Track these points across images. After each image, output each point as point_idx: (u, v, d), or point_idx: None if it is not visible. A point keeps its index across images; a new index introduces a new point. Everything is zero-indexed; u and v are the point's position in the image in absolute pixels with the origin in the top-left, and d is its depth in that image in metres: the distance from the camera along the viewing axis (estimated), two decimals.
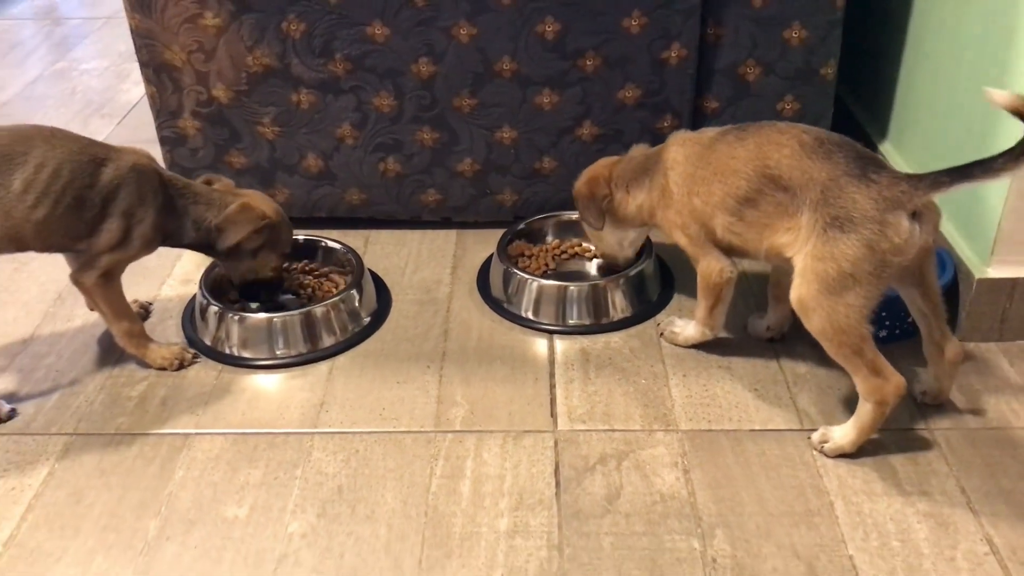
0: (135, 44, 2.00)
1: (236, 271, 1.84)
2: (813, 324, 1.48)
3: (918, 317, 1.59)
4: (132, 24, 1.98)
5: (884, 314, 1.74)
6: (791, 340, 1.82)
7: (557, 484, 1.52)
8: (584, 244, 2.09)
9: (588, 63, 1.99)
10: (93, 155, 1.61)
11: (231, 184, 1.83)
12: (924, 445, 1.58)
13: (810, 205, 1.46)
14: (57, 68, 3.32)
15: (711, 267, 1.67)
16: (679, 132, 1.74)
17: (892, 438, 1.59)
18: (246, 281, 1.85)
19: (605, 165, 1.84)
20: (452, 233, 2.22)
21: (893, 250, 1.41)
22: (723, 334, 1.81)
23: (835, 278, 1.43)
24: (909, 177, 1.42)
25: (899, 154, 2.11)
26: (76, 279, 1.69)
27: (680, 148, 1.68)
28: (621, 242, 1.91)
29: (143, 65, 2.03)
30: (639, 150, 1.82)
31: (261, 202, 1.80)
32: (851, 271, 1.42)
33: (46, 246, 1.64)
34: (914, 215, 1.42)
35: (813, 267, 1.45)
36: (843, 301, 1.44)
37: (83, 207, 1.60)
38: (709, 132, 1.68)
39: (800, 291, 1.48)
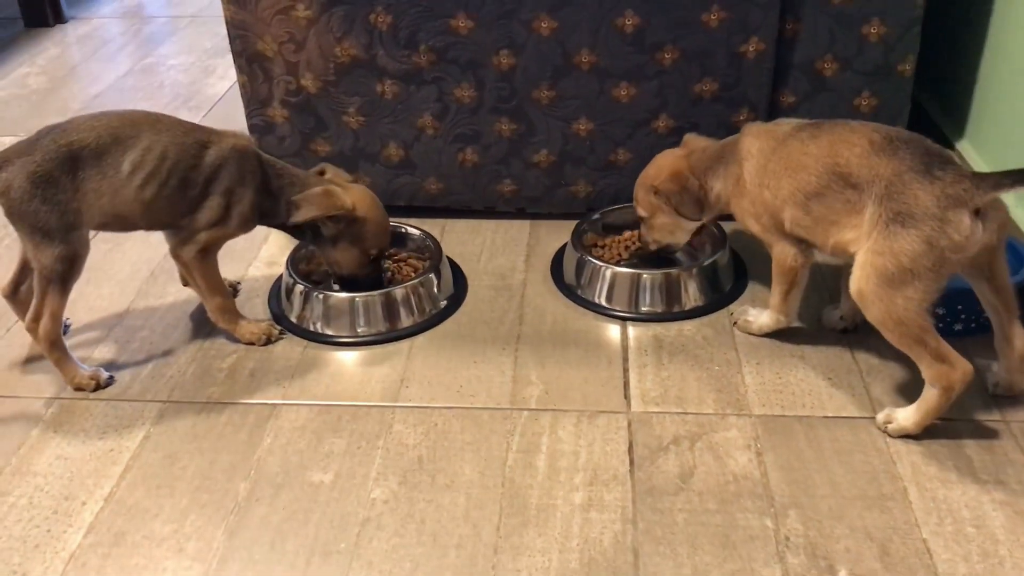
0: (229, 34, 2.09)
1: (325, 258, 1.89)
2: (872, 315, 1.51)
3: (989, 311, 1.60)
4: (227, 15, 2.06)
5: (960, 307, 1.74)
6: (864, 331, 1.82)
7: (631, 462, 1.55)
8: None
9: (666, 56, 2.03)
10: (197, 138, 1.70)
11: (344, 176, 1.88)
12: (999, 436, 1.57)
13: (874, 200, 1.49)
14: (145, 63, 3.45)
15: (786, 251, 1.70)
16: (754, 123, 1.76)
17: (967, 428, 1.59)
18: (335, 273, 1.91)
19: (678, 158, 1.85)
20: (526, 224, 2.27)
21: (953, 247, 1.42)
22: (796, 324, 1.83)
23: (893, 272, 1.45)
24: (973, 175, 1.44)
25: (977, 153, 2.10)
26: (175, 253, 1.77)
27: (755, 140, 1.71)
28: (682, 229, 1.92)
29: (236, 55, 2.11)
30: (699, 141, 1.85)
31: (356, 196, 1.81)
32: (909, 266, 1.44)
33: (151, 224, 1.73)
34: (977, 213, 1.42)
35: (872, 261, 1.48)
36: (901, 294, 1.45)
37: (187, 187, 1.68)
38: (784, 126, 1.70)
39: (859, 284, 1.50)
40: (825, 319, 1.85)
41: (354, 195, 1.82)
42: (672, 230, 1.93)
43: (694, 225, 1.91)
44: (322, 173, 1.86)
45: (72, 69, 3.42)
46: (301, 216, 1.77)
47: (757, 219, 1.71)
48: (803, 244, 1.69)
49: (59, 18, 3.85)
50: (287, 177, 1.79)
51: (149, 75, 3.34)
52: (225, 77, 3.24)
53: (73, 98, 3.15)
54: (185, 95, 3.13)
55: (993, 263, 1.52)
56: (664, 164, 1.87)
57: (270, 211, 1.78)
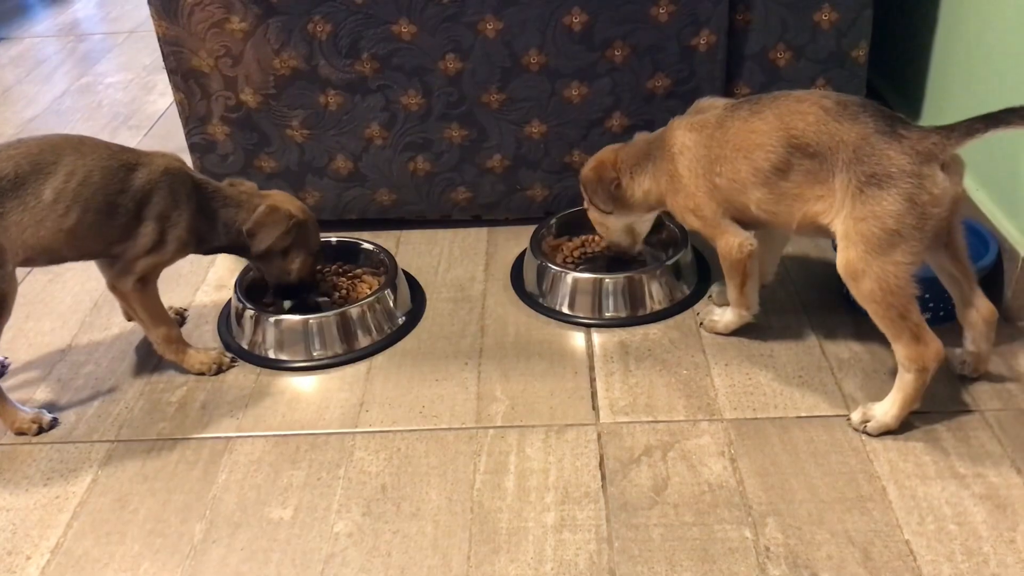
0: (163, 51, 2.01)
1: (269, 273, 1.84)
2: (863, 287, 1.46)
3: (949, 284, 1.58)
4: (159, 31, 1.98)
5: (927, 295, 1.71)
6: (833, 325, 1.79)
7: (603, 477, 1.50)
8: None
9: (617, 53, 1.98)
10: (123, 160, 1.61)
11: (254, 186, 1.82)
12: (975, 426, 1.54)
13: (842, 168, 1.46)
14: (82, 83, 3.34)
15: (730, 243, 1.66)
16: (677, 117, 1.72)
17: (942, 420, 1.56)
18: (281, 283, 1.85)
19: (612, 150, 1.82)
20: (483, 231, 2.21)
21: (932, 201, 1.40)
22: (762, 322, 1.79)
23: (880, 236, 1.42)
24: (939, 129, 1.42)
25: None
26: (112, 286, 1.69)
27: (687, 133, 1.67)
28: (628, 229, 1.89)
29: (171, 72, 2.03)
30: (642, 136, 1.81)
31: (287, 202, 1.79)
32: (895, 226, 1.41)
33: (80, 254, 1.64)
34: (943, 167, 1.41)
35: (856, 228, 1.44)
36: (891, 259, 1.42)
37: (115, 212, 1.60)
38: (712, 111, 1.66)
39: (847, 255, 1.46)
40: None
41: (285, 201, 1.79)
42: (611, 227, 1.88)
43: (635, 223, 1.86)
44: (232, 186, 1.79)
45: (5, 92, 3.30)
46: (264, 242, 1.74)
47: (696, 212, 1.67)
48: (756, 229, 1.65)
49: None
50: (220, 199, 1.73)
51: (87, 95, 3.23)
52: (165, 94, 3.13)
53: (6, 122, 3.04)
54: (125, 114, 3.03)
55: (952, 224, 1.50)
56: (597, 155, 1.83)
57: (207, 234, 1.71)
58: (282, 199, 1.80)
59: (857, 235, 1.44)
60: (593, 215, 1.90)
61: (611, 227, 1.89)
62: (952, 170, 1.42)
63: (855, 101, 1.49)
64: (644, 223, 1.89)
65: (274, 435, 1.63)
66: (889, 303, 1.45)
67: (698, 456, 1.52)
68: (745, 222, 1.65)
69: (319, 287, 1.96)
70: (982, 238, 1.76)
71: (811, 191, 1.51)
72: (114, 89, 3.25)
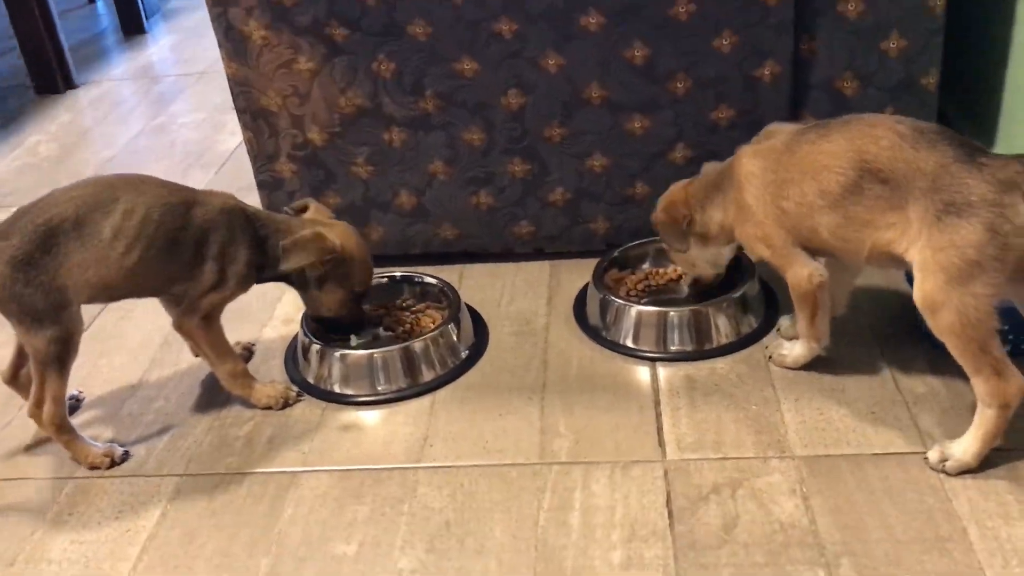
0: (232, 91, 2.06)
1: (305, 302, 1.83)
2: (942, 320, 1.41)
3: None
4: (229, 72, 2.03)
5: (1006, 327, 1.65)
6: (907, 357, 1.74)
7: (670, 514, 1.47)
8: (678, 269, 2.05)
9: (679, 85, 1.97)
10: (182, 198, 1.65)
11: (326, 211, 1.83)
12: None
13: (918, 196, 1.42)
14: (157, 123, 3.44)
15: (799, 275, 1.62)
16: (743, 146, 1.69)
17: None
18: (318, 315, 1.84)
19: (681, 187, 1.80)
20: (545, 264, 2.21)
21: (1015, 231, 1.36)
22: (833, 355, 1.74)
23: (960, 266, 1.37)
24: (1020, 157, 1.38)
25: None
26: (178, 326, 1.72)
27: (753, 160, 1.64)
28: (710, 261, 1.86)
29: (240, 111, 2.08)
30: (711, 166, 1.79)
31: (341, 235, 1.75)
32: (976, 258, 1.36)
33: (140, 291, 1.68)
34: None
35: (935, 258, 1.40)
36: (971, 291, 1.38)
37: (176, 250, 1.63)
38: (778, 136, 1.64)
39: (925, 286, 1.42)
40: None
41: (339, 233, 1.76)
42: (694, 262, 1.86)
43: (715, 255, 1.84)
44: (304, 208, 1.82)
45: (84, 134, 3.42)
46: (292, 263, 1.71)
47: (765, 241, 1.64)
48: (826, 259, 1.62)
49: (69, 83, 3.86)
50: (273, 225, 1.73)
51: (160, 134, 3.32)
52: (235, 132, 3.20)
53: (85, 163, 3.14)
54: (196, 152, 3.11)
55: None
56: (667, 194, 1.82)
57: (264, 264, 1.73)
58: (339, 231, 1.77)
59: (936, 265, 1.40)
60: (673, 255, 1.90)
61: (693, 262, 1.87)
62: None
63: (931, 128, 1.45)
64: (726, 253, 1.86)
65: (339, 469, 1.64)
66: (970, 336, 1.40)
67: (769, 494, 1.49)
68: (815, 251, 1.62)
69: (363, 327, 1.93)
70: None
71: (883, 218, 1.47)
72: (187, 129, 3.34)
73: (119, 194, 1.60)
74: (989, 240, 1.36)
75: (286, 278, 1.78)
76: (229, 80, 2.04)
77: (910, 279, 1.72)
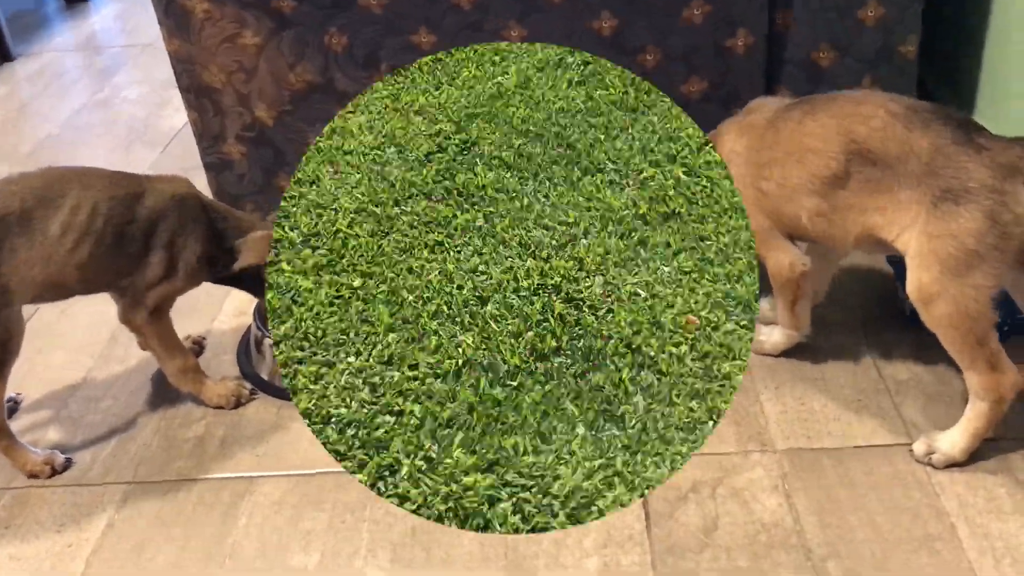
0: (174, 69, 1.93)
1: (262, 303, 1.75)
2: (938, 312, 1.34)
3: None
4: (171, 49, 1.91)
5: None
6: (889, 343, 1.68)
7: (647, 517, 1.40)
8: None
9: (648, 58, 1.87)
10: (130, 189, 1.55)
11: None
12: None
13: (911, 179, 1.33)
14: (100, 97, 3.28)
15: (780, 262, 1.55)
16: (726, 121, 1.61)
17: (1018, 449, 1.44)
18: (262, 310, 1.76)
19: None
20: None
21: (1016, 220, 1.28)
22: (813, 341, 1.67)
23: (957, 257, 1.30)
24: (1021, 140, 1.30)
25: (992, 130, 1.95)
26: (125, 319, 1.62)
27: (737, 138, 1.56)
28: None
29: (183, 90, 1.96)
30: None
31: None
32: (975, 247, 1.29)
33: (89, 287, 1.57)
34: None
35: (930, 247, 1.32)
36: (969, 282, 1.30)
37: (124, 243, 1.53)
38: (761, 112, 1.56)
39: (920, 276, 1.34)
40: None
41: None
42: None
43: None
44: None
45: (22, 108, 3.25)
46: (243, 262, 1.63)
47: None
48: (808, 245, 1.54)
49: (6, 56, 3.67)
50: (232, 220, 1.64)
51: (104, 109, 3.16)
52: (182, 109, 3.04)
53: (24, 139, 2.98)
54: (140, 130, 2.95)
55: None
56: None
57: (218, 260, 1.63)
58: None
59: (931, 254, 1.32)
60: None
61: None
62: None
63: (926, 107, 1.36)
64: None
65: (296, 474, 1.55)
66: (968, 329, 1.33)
67: (750, 492, 1.42)
68: (797, 236, 1.54)
69: None
70: None
71: (871, 201, 1.39)
72: (131, 104, 3.18)
73: (67, 188, 1.50)
74: (989, 229, 1.28)
75: (238, 280, 1.68)
76: (171, 57, 1.92)
77: (891, 260, 1.65)
